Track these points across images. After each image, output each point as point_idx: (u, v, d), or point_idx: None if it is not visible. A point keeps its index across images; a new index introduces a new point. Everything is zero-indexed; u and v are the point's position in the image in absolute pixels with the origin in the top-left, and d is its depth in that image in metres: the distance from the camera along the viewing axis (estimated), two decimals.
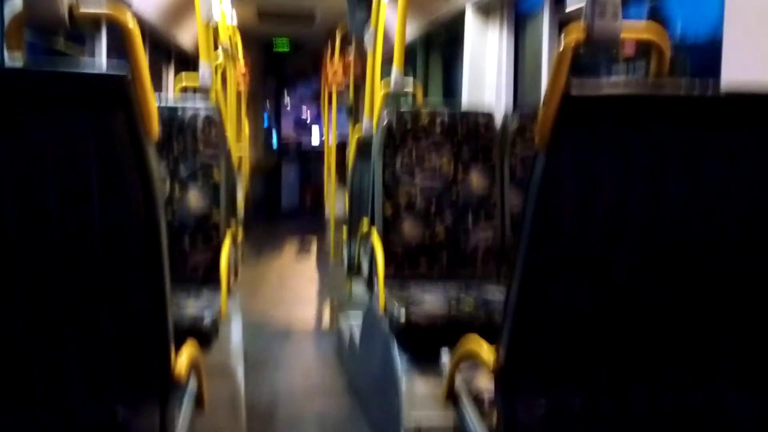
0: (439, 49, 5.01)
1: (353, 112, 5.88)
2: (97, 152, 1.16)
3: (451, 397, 1.61)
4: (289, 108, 10.11)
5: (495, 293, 2.41)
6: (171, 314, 1.29)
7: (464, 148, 2.70)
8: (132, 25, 1.20)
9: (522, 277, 1.22)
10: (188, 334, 1.61)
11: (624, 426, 1.34)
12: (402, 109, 2.73)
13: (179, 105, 2.57)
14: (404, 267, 2.63)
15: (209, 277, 2.45)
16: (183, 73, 3.48)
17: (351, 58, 5.83)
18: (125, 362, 1.28)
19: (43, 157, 1.15)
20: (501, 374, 1.30)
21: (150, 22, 4.17)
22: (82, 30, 3.26)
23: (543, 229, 1.19)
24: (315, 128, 9.96)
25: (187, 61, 5.65)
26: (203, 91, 3.25)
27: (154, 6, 4.12)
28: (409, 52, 5.16)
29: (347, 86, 6.14)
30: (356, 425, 2.86)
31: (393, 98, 3.31)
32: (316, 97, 9.08)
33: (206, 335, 2.06)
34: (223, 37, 3.79)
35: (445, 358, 1.72)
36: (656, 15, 2.64)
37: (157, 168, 1.21)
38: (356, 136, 3.84)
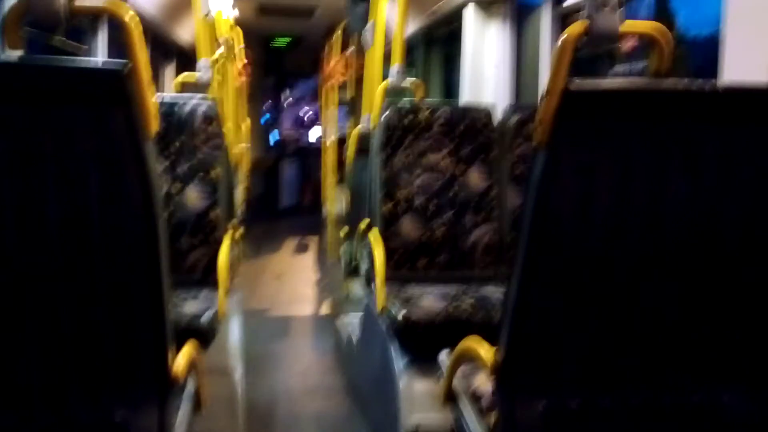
0: (439, 45, 5.00)
1: (352, 109, 5.87)
2: (96, 148, 1.15)
3: (450, 397, 1.61)
4: (288, 104, 10.10)
5: (494, 292, 2.40)
6: (170, 314, 1.28)
7: (463, 144, 2.69)
8: (130, 19, 1.19)
9: (521, 276, 1.21)
10: (187, 333, 1.60)
11: (623, 426, 1.34)
12: (401, 106, 2.72)
13: (178, 100, 2.55)
14: (403, 266, 2.62)
15: (208, 276, 2.44)
16: (183, 74, 3.46)
17: (351, 54, 5.81)
18: (124, 362, 1.28)
19: (40, 153, 1.14)
20: (500, 374, 1.29)
21: (148, 17, 4.15)
22: (80, 25, 3.25)
23: (543, 226, 1.18)
24: (314, 126, 9.94)
25: (187, 59, 5.63)
26: (202, 88, 3.23)
27: (152, 0, 4.10)
28: (409, 49, 5.14)
29: (347, 82, 6.12)
30: (355, 425, 2.85)
31: (392, 94, 3.30)
32: (315, 95, 9.07)
33: (205, 335, 2.05)
34: (222, 32, 3.77)
35: (444, 358, 1.71)
36: (663, 9, 2.62)
37: (156, 164, 1.20)
38: (355, 133, 3.83)
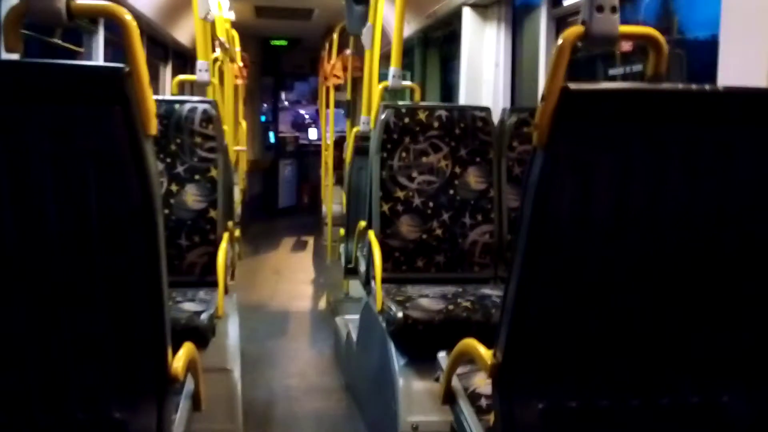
0: (436, 46, 5.00)
1: (351, 110, 5.87)
2: (95, 148, 1.15)
3: (449, 397, 1.61)
4: (287, 104, 10.10)
5: (492, 293, 2.40)
6: (168, 314, 1.28)
7: (461, 145, 2.69)
8: (129, 20, 1.19)
9: (520, 276, 1.21)
10: (185, 333, 1.61)
11: (622, 427, 1.34)
12: (399, 107, 2.73)
13: (176, 101, 2.55)
14: (401, 266, 2.62)
15: (206, 276, 2.44)
16: (181, 75, 3.46)
17: (348, 55, 5.82)
18: (122, 361, 1.28)
19: (39, 152, 1.14)
20: (498, 374, 1.29)
21: (147, 17, 4.15)
22: (79, 25, 3.25)
23: (541, 227, 1.18)
24: (312, 126, 9.94)
25: (185, 58, 5.63)
26: (200, 89, 3.24)
27: (151, 1, 4.10)
28: (407, 50, 5.15)
29: (345, 83, 6.12)
30: (353, 425, 2.85)
31: (391, 95, 3.31)
32: (313, 96, 9.07)
33: (203, 334, 2.05)
34: (220, 33, 3.77)
35: (443, 358, 1.71)
36: (665, 11, 2.61)
37: (155, 164, 1.21)
38: (354, 134, 3.83)
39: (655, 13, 2.67)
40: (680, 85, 1.19)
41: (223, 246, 2.48)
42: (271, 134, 9.74)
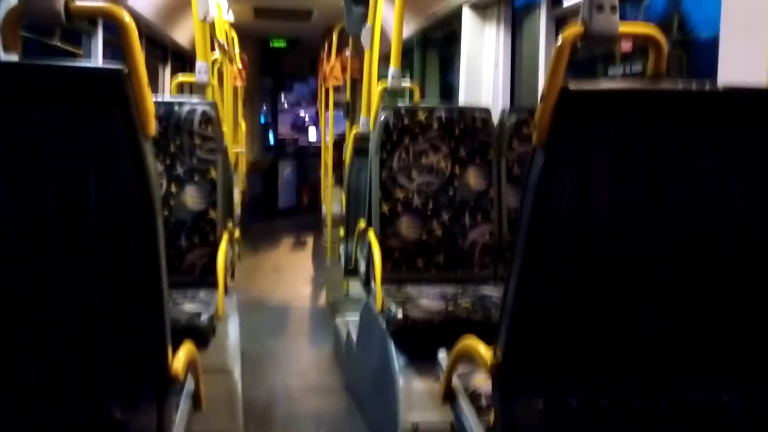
0: (436, 47, 5.01)
1: (350, 110, 5.87)
2: (94, 148, 1.15)
3: (449, 397, 1.61)
4: (286, 106, 10.10)
5: (492, 292, 2.40)
6: (168, 314, 1.28)
7: (461, 145, 2.69)
8: (128, 21, 1.20)
9: (519, 275, 1.22)
10: (185, 333, 1.61)
11: (621, 425, 1.34)
12: (399, 107, 2.73)
13: (175, 102, 2.55)
14: (401, 266, 2.62)
15: (206, 276, 2.44)
16: (181, 75, 3.46)
17: (348, 55, 5.82)
18: (123, 361, 1.28)
19: (39, 153, 1.14)
20: (498, 373, 1.29)
21: (146, 18, 4.15)
22: (78, 27, 3.25)
23: (540, 226, 1.18)
24: (312, 127, 9.94)
25: (184, 60, 5.63)
26: (200, 89, 3.23)
27: (150, 2, 4.10)
28: (406, 51, 5.15)
29: (344, 84, 6.12)
30: (353, 424, 2.85)
31: (390, 96, 3.31)
32: (313, 97, 9.07)
33: (203, 334, 2.05)
34: (220, 34, 3.78)
35: (442, 357, 1.71)
36: (674, 8, 2.60)
37: (154, 165, 1.21)
38: (353, 134, 3.83)
39: (659, 12, 2.65)
40: (680, 85, 1.19)
41: (223, 247, 2.49)
42: (271, 135, 9.74)
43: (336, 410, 3.05)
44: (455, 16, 3.77)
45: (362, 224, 2.81)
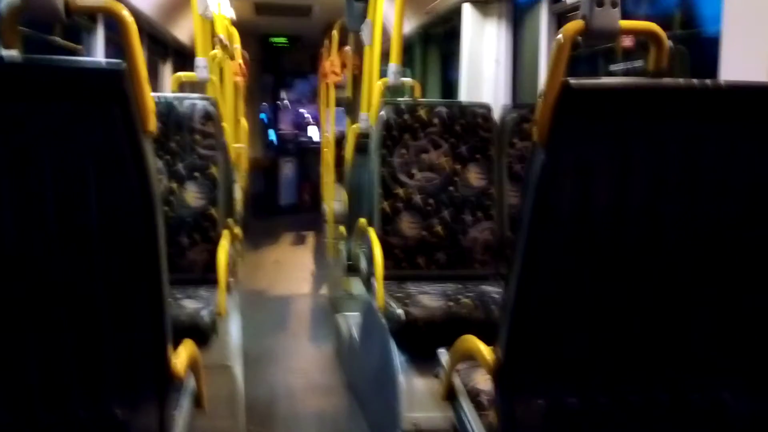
0: (436, 43, 4.99)
1: (350, 107, 5.86)
2: (94, 147, 1.15)
3: (449, 395, 1.61)
4: (286, 102, 10.08)
5: (493, 290, 2.40)
6: (169, 312, 1.28)
7: (462, 142, 2.69)
8: (128, 17, 1.19)
9: (520, 274, 1.21)
10: (186, 332, 1.60)
11: (622, 425, 1.34)
12: (399, 104, 2.72)
13: (176, 99, 2.55)
14: (402, 264, 2.62)
15: (207, 274, 2.44)
16: (181, 72, 3.45)
17: (348, 52, 5.80)
18: (123, 360, 1.28)
19: (38, 150, 1.14)
20: (499, 372, 1.29)
21: (147, 15, 4.15)
22: (78, 23, 3.24)
23: (541, 224, 1.18)
24: (313, 125, 9.93)
25: (184, 57, 5.62)
26: (200, 87, 3.23)
27: None
28: (407, 47, 5.14)
29: (345, 81, 6.11)
30: (355, 424, 2.85)
31: (390, 93, 3.30)
32: (314, 95, 9.05)
33: (204, 333, 2.05)
34: (220, 30, 3.77)
35: (443, 357, 1.71)
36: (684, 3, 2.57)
37: (154, 161, 1.20)
38: (354, 132, 3.82)
39: (675, 8, 2.62)
40: (681, 81, 1.18)
41: (224, 244, 2.48)
42: (272, 132, 9.73)
43: (337, 408, 3.05)
44: (456, 12, 3.76)
45: (363, 222, 2.81)
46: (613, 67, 2.84)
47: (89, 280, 1.21)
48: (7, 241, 1.17)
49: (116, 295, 1.23)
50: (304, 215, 8.50)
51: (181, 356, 1.37)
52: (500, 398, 1.31)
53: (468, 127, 2.70)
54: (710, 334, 1.30)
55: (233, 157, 3.52)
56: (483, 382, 1.54)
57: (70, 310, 1.22)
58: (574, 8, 2.89)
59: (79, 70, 1.15)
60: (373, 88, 3.36)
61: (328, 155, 6.25)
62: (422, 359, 2.21)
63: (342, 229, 3.92)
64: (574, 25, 1.18)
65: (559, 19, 3.08)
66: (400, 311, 2.17)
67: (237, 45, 5.10)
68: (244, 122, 6.00)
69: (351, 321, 3.36)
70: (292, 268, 6.06)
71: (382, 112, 2.68)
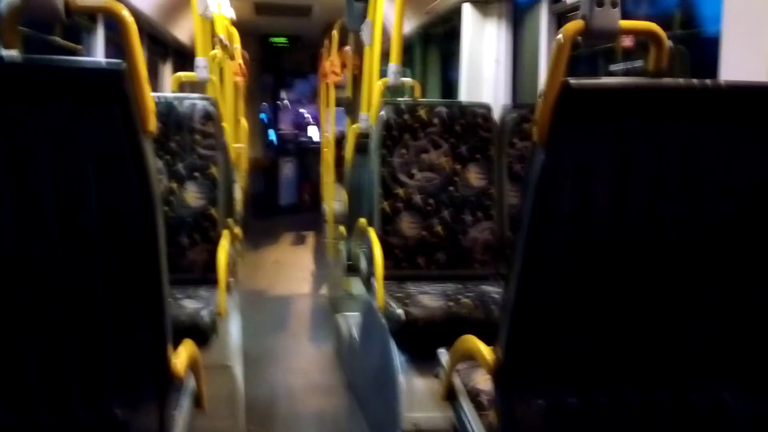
0: (436, 43, 4.99)
1: (350, 107, 5.86)
2: (94, 147, 1.15)
3: (450, 396, 1.61)
4: (286, 102, 10.08)
5: (493, 290, 2.40)
6: (169, 312, 1.28)
7: (462, 142, 2.69)
8: (128, 17, 1.19)
9: (520, 274, 1.21)
10: (186, 332, 1.60)
11: (622, 425, 1.34)
12: (399, 104, 2.72)
13: (176, 99, 2.55)
14: (402, 264, 2.62)
15: (207, 274, 2.44)
16: (181, 72, 3.46)
17: (348, 52, 5.80)
18: (123, 360, 1.28)
19: (38, 151, 1.14)
20: (499, 373, 1.29)
21: (147, 15, 4.15)
22: (78, 23, 3.24)
23: (541, 224, 1.18)
24: (313, 125, 9.93)
25: (184, 57, 5.62)
26: (200, 87, 3.23)
27: None
28: (407, 47, 5.14)
29: (345, 81, 6.11)
30: (355, 424, 2.85)
31: (390, 93, 3.30)
32: (314, 95, 9.06)
33: (204, 333, 2.05)
34: (220, 30, 3.77)
35: (443, 357, 1.71)
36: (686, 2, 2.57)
37: (155, 163, 1.20)
38: (354, 132, 3.82)
39: (676, 7, 2.62)
40: (681, 81, 1.18)
41: (224, 244, 2.48)
42: (272, 132, 9.74)
43: (337, 408, 3.05)
44: (456, 12, 3.76)
45: (363, 222, 2.81)
46: (613, 67, 2.84)
47: (89, 280, 1.21)
48: (7, 241, 1.17)
49: (116, 295, 1.23)
50: (304, 215, 8.51)
51: (181, 356, 1.37)
52: (500, 398, 1.31)
53: (468, 127, 2.69)
54: (710, 334, 1.30)
55: (233, 157, 3.52)
56: (483, 382, 1.54)
57: (70, 310, 1.22)
58: (574, 8, 2.89)
59: (79, 70, 1.15)
60: (373, 88, 3.36)
61: (328, 155, 6.25)
62: (422, 359, 2.21)
63: (342, 229, 3.92)
64: (574, 25, 1.18)
65: (559, 19, 3.08)
66: (400, 311, 2.17)
67: (237, 45, 5.10)
68: (244, 122, 6.00)
69: (351, 321, 3.36)
70: (292, 268, 6.06)
71: (382, 112, 2.68)
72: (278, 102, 9.94)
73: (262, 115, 9.72)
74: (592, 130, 1.15)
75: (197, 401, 1.59)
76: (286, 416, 2.97)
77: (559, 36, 1.16)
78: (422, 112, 2.68)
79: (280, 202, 9.15)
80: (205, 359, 1.64)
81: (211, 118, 2.54)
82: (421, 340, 2.16)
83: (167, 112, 2.50)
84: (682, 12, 2.55)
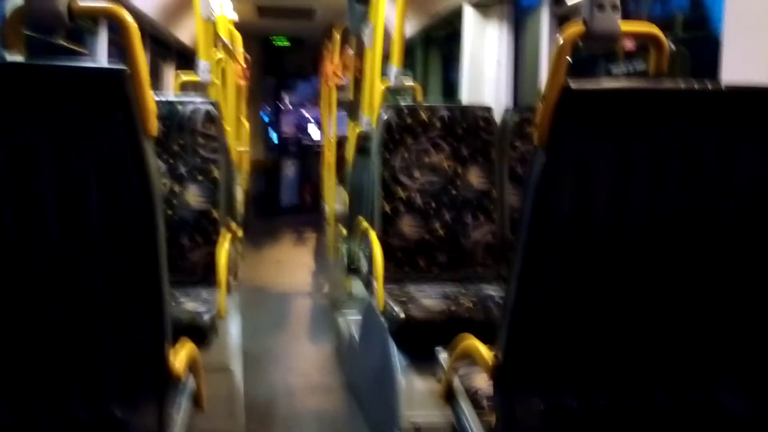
0: (438, 46, 5.00)
1: (352, 109, 5.86)
2: (95, 148, 1.15)
3: (449, 397, 1.61)
4: (288, 103, 10.09)
5: (494, 292, 2.40)
6: (169, 312, 1.28)
7: (463, 144, 2.69)
8: (130, 21, 1.20)
9: (520, 275, 1.21)
10: (186, 332, 1.61)
11: (621, 425, 1.34)
12: (401, 106, 2.73)
13: (178, 100, 2.56)
14: (403, 265, 2.62)
15: (208, 275, 2.45)
16: (182, 73, 3.47)
17: (349, 54, 5.81)
18: (123, 360, 1.28)
19: (40, 152, 1.15)
20: (499, 374, 1.29)
21: (150, 17, 4.16)
22: (81, 26, 3.26)
23: (542, 226, 1.18)
24: (314, 126, 9.94)
25: (187, 59, 5.63)
26: (202, 89, 3.24)
27: (153, 1, 4.11)
28: (409, 49, 5.14)
29: (347, 83, 6.12)
30: (354, 423, 2.85)
31: (392, 95, 3.30)
32: (316, 97, 9.07)
33: (204, 333, 2.06)
34: (222, 32, 3.78)
35: (442, 357, 1.71)
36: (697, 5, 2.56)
37: (156, 164, 1.21)
38: (355, 133, 3.83)
39: (686, 9, 2.61)
40: (681, 84, 1.18)
41: (225, 246, 2.49)
42: (274, 134, 9.75)
43: (337, 409, 3.05)
44: (457, 15, 3.76)
45: (364, 223, 2.81)
46: (614, 69, 2.84)
47: (89, 280, 1.21)
48: (9, 241, 1.17)
49: (116, 295, 1.23)
50: (305, 216, 8.51)
51: (181, 356, 1.37)
52: (499, 398, 1.31)
53: (469, 129, 2.70)
54: (710, 335, 1.30)
55: (235, 159, 3.53)
56: (482, 382, 1.54)
57: (69, 310, 1.23)
58: (576, 10, 2.89)
59: (81, 73, 1.16)
60: (375, 90, 3.37)
61: (329, 156, 6.26)
62: (422, 359, 2.21)
63: (343, 229, 3.93)
64: (575, 28, 1.19)
65: (561, 21, 3.08)
66: (400, 312, 2.18)
67: (239, 47, 5.12)
68: (246, 123, 6.01)
69: (351, 321, 3.36)
70: (293, 269, 6.06)
71: (384, 114, 2.69)
72: (280, 104, 9.95)
73: (264, 117, 9.74)
74: (592, 132, 1.16)
75: (196, 401, 1.59)
76: (286, 416, 2.97)
77: (560, 39, 1.17)
78: (423, 115, 2.68)
79: (282, 203, 9.17)
80: (204, 359, 1.64)
81: (213, 120, 2.54)
82: (421, 340, 2.16)
83: (169, 114, 2.51)
84: (690, 13, 2.55)
